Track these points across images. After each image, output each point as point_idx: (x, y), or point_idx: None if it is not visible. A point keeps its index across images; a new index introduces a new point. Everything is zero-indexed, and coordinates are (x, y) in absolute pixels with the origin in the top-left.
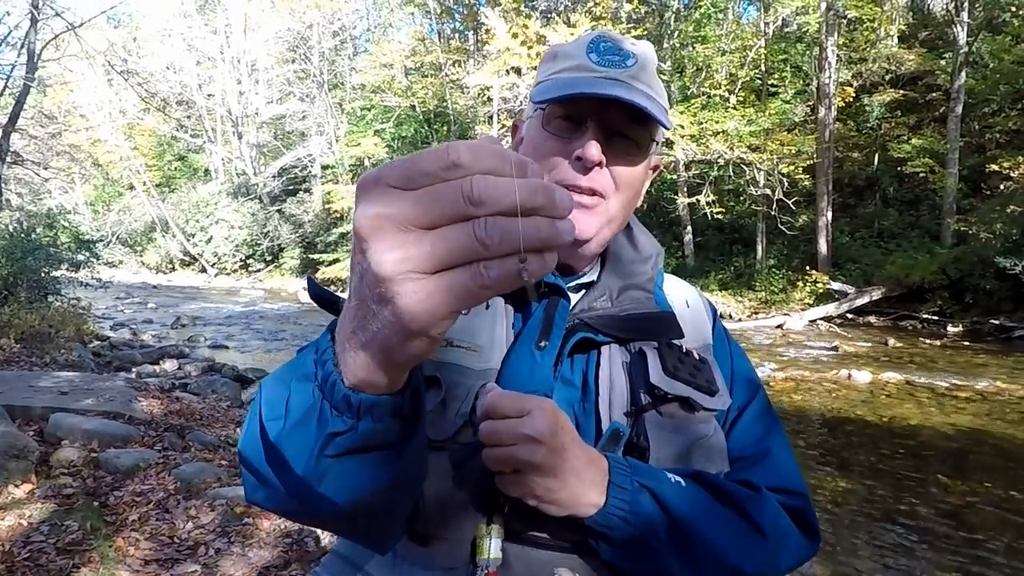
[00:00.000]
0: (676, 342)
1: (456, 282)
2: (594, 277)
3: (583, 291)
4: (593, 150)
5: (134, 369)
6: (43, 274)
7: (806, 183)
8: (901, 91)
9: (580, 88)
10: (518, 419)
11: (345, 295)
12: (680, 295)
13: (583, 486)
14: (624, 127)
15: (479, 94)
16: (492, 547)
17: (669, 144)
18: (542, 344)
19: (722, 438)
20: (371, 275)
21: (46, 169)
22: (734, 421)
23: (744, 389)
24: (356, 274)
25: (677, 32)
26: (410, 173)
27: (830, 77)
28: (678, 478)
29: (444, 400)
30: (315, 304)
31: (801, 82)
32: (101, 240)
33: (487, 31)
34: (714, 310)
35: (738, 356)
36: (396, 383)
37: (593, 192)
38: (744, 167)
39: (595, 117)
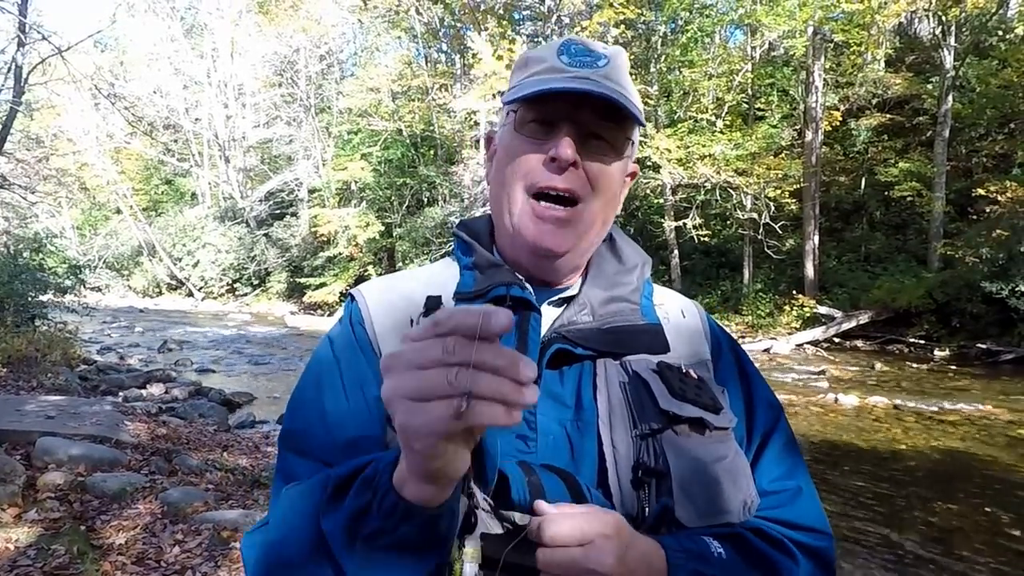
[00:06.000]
0: (672, 363)
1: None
2: (576, 291)
3: (565, 305)
4: (567, 149)
5: (121, 393)
6: (30, 298)
7: (793, 207)
8: (888, 115)
9: (551, 85)
10: (580, 550)
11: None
12: (675, 305)
13: None
14: (598, 127)
15: (466, 118)
16: (467, 572)
17: (656, 168)
18: None
19: (744, 461)
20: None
21: (33, 193)
22: (760, 449)
23: (766, 414)
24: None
25: (664, 56)
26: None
27: (817, 101)
28: (720, 548)
29: None
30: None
31: (788, 106)
32: (88, 265)
33: (473, 55)
34: (725, 333)
35: (757, 379)
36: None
37: (569, 192)
38: (731, 191)
39: (568, 117)
